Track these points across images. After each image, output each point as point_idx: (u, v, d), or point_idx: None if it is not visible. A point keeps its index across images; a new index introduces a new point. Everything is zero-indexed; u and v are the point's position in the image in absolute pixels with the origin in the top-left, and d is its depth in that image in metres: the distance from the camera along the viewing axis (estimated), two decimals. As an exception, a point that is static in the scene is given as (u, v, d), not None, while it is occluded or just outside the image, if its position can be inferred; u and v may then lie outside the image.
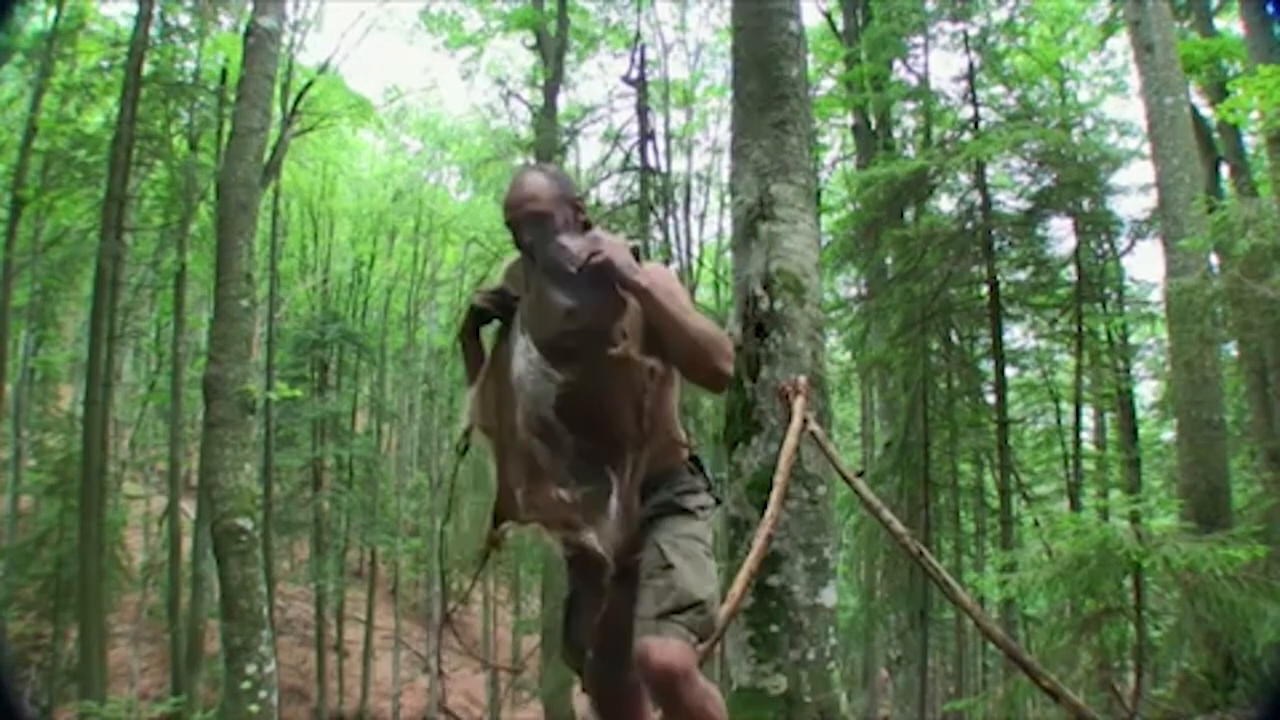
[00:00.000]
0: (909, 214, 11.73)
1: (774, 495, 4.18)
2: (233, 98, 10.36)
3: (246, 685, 7.56)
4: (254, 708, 7.53)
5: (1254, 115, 9.63)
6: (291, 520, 20.45)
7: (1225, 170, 11.76)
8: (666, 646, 2.13)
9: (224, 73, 13.42)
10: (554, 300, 2.32)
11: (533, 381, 2.31)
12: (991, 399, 11.90)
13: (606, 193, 15.81)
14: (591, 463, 2.28)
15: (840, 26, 14.49)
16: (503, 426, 2.42)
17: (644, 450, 2.34)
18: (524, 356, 2.35)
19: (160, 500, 18.20)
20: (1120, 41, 13.91)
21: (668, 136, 20.42)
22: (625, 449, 2.31)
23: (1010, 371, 12.46)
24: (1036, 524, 11.53)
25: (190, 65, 14.08)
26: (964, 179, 11.55)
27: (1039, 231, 11.64)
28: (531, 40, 16.89)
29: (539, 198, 2.42)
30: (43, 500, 15.54)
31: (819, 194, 11.55)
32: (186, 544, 14.56)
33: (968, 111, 12.20)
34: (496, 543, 2.45)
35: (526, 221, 2.39)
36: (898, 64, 13.06)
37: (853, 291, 14.75)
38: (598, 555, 2.25)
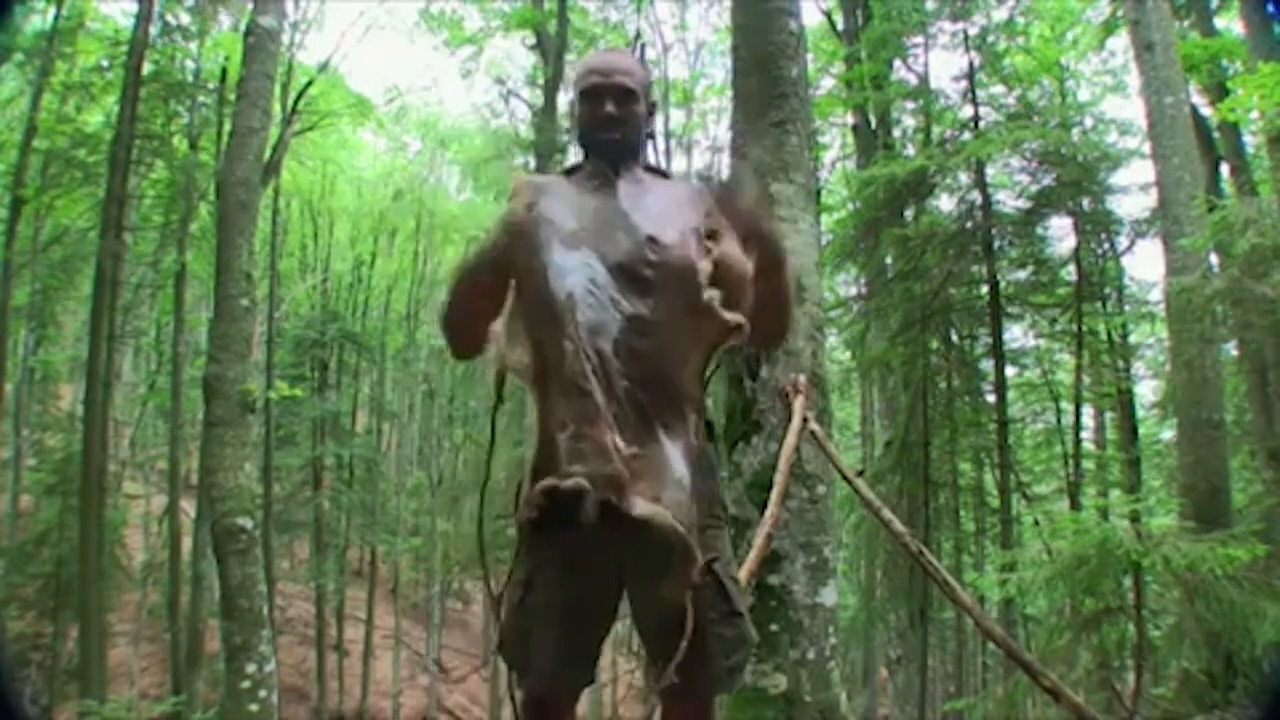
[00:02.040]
0: (909, 213, 11.73)
1: (774, 494, 4.18)
2: (233, 97, 10.36)
3: (246, 684, 7.56)
4: (254, 707, 7.53)
5: (1254, 115, 9.63)
6: (291, 519, 20.45)
7: (1225, 169, 11.76)
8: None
9: (224, 72, 13.40)
10: (632, 219, 2.04)
11: (593, 306, 1.92)
12: (991, 398, 11.90)
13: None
14: (641, 419, 1.89)
15: (840, 26, 14.49)
16: (540, 359, 1.98)
17: (701, 415, 2.02)
18: (581, 274, 1.95)
19: (160, 499, 18.20)
20: (1120, 41, 13.93)
21: (668, 136, 20.46)
22: (685, 409, 1.96)
23: (1010, 371, 12.47)
24: (1036, 523, 11.53)
25: (190, 64, 14.08)
26: (964, 178, 11.55)
27: (1039, 231, 11.65)
28: (531, 39, 16.92)
29: (634, 74, 2.21)
30: (43, 500, 15.54)
31: (819, 193, 11.57)
32: (186, 543, 14.56)
33: (968, 111, 12.20)
34: (548, 499, 1.83)
35: (614, 93, 2.16)
36: (897, 63, 13.07)
37: (853, 291, 14.76)
38: (673, 533, 1.79)
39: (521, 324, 2.03)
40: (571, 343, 1.89)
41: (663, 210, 2.07)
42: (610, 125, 2.16)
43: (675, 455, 1.89)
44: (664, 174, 2.26)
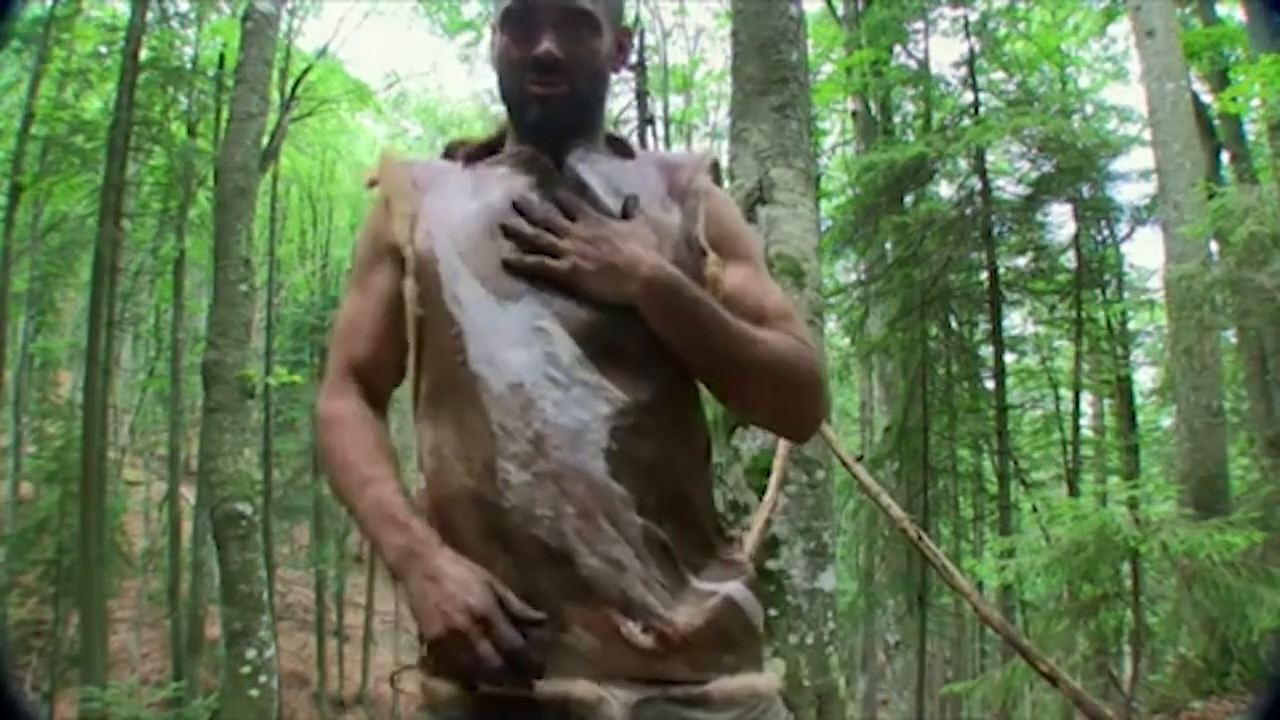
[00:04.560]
0: (908, 199, 11.72)
1: (773, 479, 4.19)
2: (231, 83, 10.35)
3: (247, 670, 7.59)
4: (254, 692, 7.56)
5: (1255, 102, 9.62)
6: (291, 505, 20.48)
7: (1226, 157, 11.73)
8: None
9: (222, 58, 13.37)
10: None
11: (560, 405, 1.22)
12: (990, 384, 11.91)
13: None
14: (670, 574, 1.23)
15: (840, 11, 14.44)
16: (445, 488, 1.29)
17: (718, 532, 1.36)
18: (531, 349, 1.24)
19: (160, 486, 18.22)
20: (1121, 27, 13.89)
21: (667, 121, 20.40)
22: (709, 535, 1.32)
23: (1009, 357, 12.48)
24: (1035, 509, 11.54)
25: (188, 50, 14.05)
26: (964, 164, 11.54)
27: (1039, 217, 11.64)
28: (530, 25, 16.81)
29: None
30: (43, 487, 15.55)
31: (819, 179, 11.55)
32: (187, 529, 14.58)
33: (968, 97, 12.18)
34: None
35: (556, 17, 1.34)
36: (898, 49, 13.03)
37: (852, 277, 14.75)
38: None
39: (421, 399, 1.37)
40: (529, 471, 1.21)
41: (643, 216, 1.36)
42: (547, 75, 1.34)
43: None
44: (627, 148, 1.47)
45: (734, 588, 1.29)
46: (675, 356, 1.30)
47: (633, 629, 1.19)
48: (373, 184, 1.44)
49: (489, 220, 1.33)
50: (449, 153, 1.51)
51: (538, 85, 1.35)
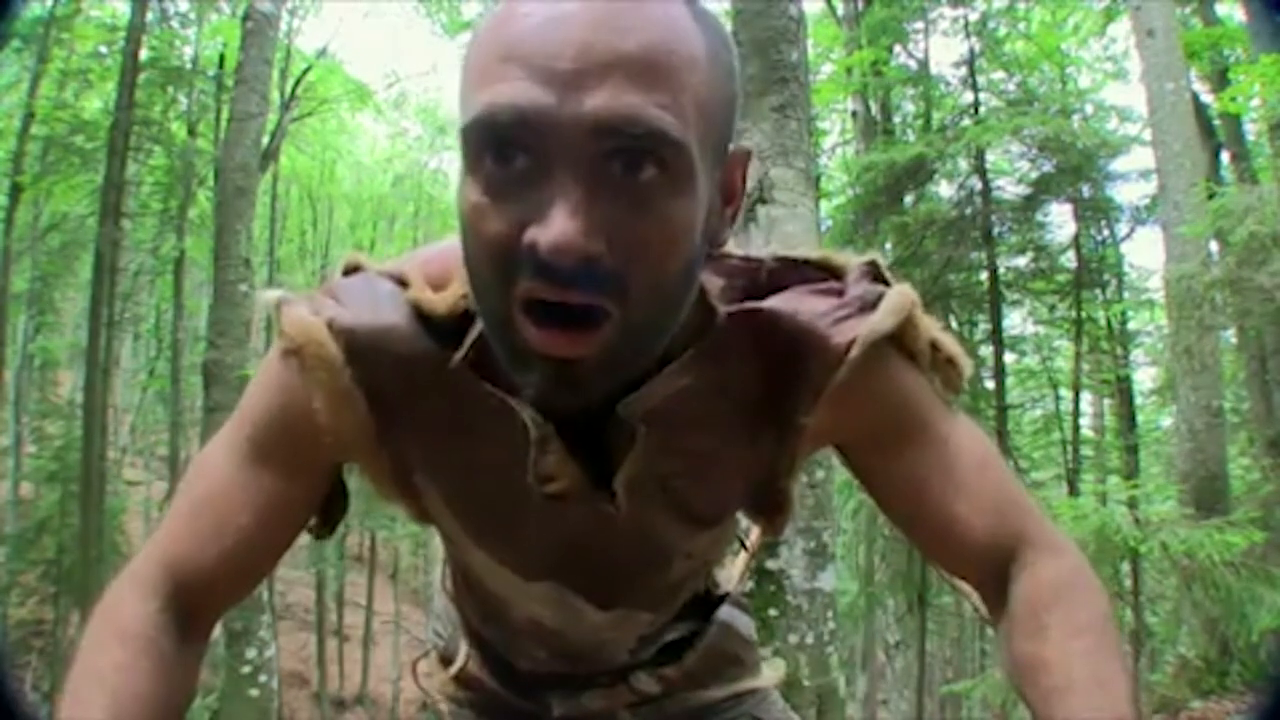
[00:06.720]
0: (909, 199, 11.72)
1: (773, 480, 4.18)
2: (231, 83, 10.35)
3: (247, 670, 7.59)
4: (254, 692, 7.56)
5: (1255, 102, 9.63)
6: (291, 505, 20.47)
7: (1226, 156, 11.74)
8: None
9: (222, 58, 13.38)
10: (650, 532, 0.97)
11: (594, 644, 1.12)
12: (990, 384, 11.90)
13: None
14: (672, 652, 1.25)
15: (840, 12, 14.44)
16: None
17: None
18: (552, 609, 1.04)
19: (161, 485, 18.22)
20: (1122, 27, 13.88)
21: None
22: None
23: (1009, 357, 12.47)
24: (1035, 509, 11.53)
25: (188, 50, 14.06)
26: (963, 164, 11.53)
27: (1038, 218, 11.63)
28: (531, 25, 16.78)
29: (669, 74, 0.69)
30: (43, 487, 15.55)
31: (819, 179, 11.54)
32: (187, 529, 14.55)
33: (968, 97, 12.18)
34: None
35: (591, 134, 0.66)
36: (898, 49, 13.03)
37: (852, 277, 14.72)
38: None
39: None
40: (548, 661, 1.16)
41: (709, 481, 0.96)
42: (564, 291, 0.68)
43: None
44: (709, 317, 0.90)
45: (723, 612, 1.28)
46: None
47: (639, 677, 1.20)
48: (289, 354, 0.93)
49: (498, 502, 0.96)
50: (420, 313, 0.90)
51: (544, 334, 0.71)
